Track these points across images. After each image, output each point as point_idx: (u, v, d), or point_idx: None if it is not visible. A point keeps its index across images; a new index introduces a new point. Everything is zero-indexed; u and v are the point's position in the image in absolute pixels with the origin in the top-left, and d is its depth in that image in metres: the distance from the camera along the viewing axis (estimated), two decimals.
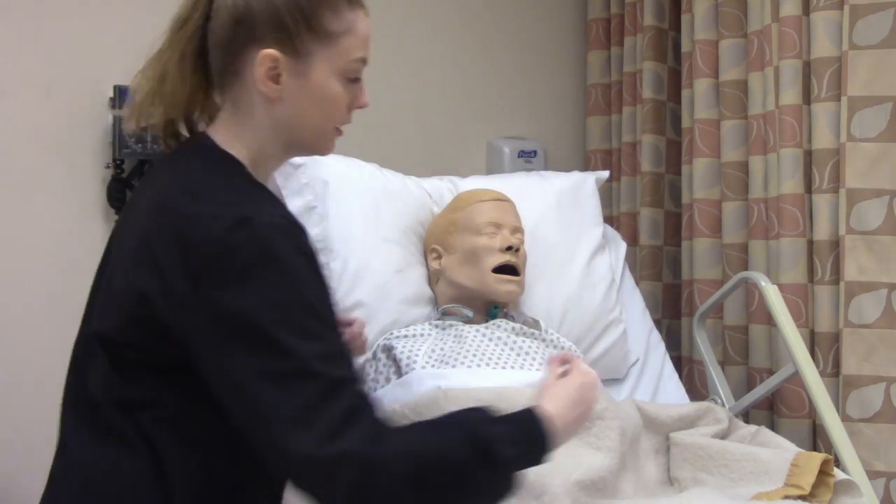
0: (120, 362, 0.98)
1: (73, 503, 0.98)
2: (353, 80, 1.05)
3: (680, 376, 1.95)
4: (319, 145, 1.09)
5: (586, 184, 2.05)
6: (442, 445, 0.90)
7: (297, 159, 1.70)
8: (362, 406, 0.88)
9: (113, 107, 1.81)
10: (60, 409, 1.06)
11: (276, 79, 1.01)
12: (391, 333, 1.63)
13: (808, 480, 1.27)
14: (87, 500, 0.97)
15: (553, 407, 0.99)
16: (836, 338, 1.77)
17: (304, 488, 0.88)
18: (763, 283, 1.70)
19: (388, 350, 1.59)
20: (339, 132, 1.09)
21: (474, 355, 1.52)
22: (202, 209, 0.93)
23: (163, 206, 0.97)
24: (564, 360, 1.12)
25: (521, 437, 0.94)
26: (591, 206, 2.02)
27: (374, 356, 1.61)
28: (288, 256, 0.91)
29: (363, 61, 1.06)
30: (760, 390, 1.72)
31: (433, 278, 1.74)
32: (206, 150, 1.04)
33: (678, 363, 2.16)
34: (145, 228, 0.97)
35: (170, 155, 1.08)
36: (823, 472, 1.31)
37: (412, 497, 0.87)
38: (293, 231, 0.95)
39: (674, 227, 2.31)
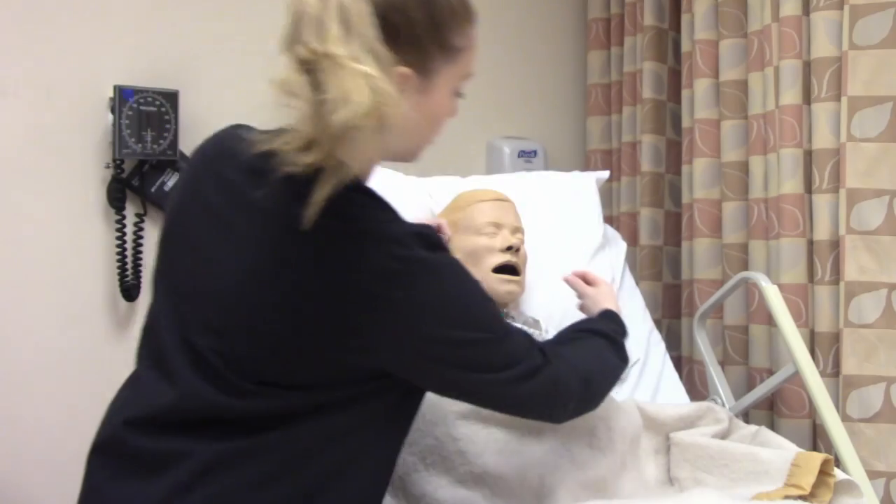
0: (272, 380, 0.95)
1: None
2: (458, 95, 1.06)
3: (680, 376, 1.95)
4: (414, 156, 1.10)
5: (586, 184, 2.05)
6: (594, 346, 1.20)
7: None
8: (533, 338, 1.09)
9: (113, 107, 1.81)
10: (161, 420, 0.98)
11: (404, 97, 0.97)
12: None
13: (808, 480, 1.27)
14: None
15: (612, 306, 1.36)
16: (836, 338, 1.77)
17: (544, 414, 1.11)
18: (763, 284, 1.70)
19: None
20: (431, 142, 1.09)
21: None
22: (374, 228, 0.93)
23: (322, 228, 0.91)
24: (584, 276, 1.48)
25: (619, 328, 1.29)
26: (591, 206, 2.02)
27: None
28: (453, 258, 1.02)
29: (472, 75, 1.06)
30: (760, 390, 1.72)
31: None
32: None
33: (678, 363, 2.16)
34: (296, 253, 0.93)
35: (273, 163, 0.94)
36: (824, 472, 1.31)
37: (593, 385, 1.15)
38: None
39: (674, 227, 2.31)
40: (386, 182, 1.84)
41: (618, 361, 1.24)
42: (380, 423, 1.04)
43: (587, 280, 1.48)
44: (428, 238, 0.97)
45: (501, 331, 1.02)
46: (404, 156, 1.09)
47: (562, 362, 1.08)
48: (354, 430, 1.00)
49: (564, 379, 1.08)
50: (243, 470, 0.94)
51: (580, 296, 1.47)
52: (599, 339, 1.22)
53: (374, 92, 0.86)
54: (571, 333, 1.24)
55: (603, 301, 1.40)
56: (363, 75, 0.86)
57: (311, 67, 0.89)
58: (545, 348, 1.08)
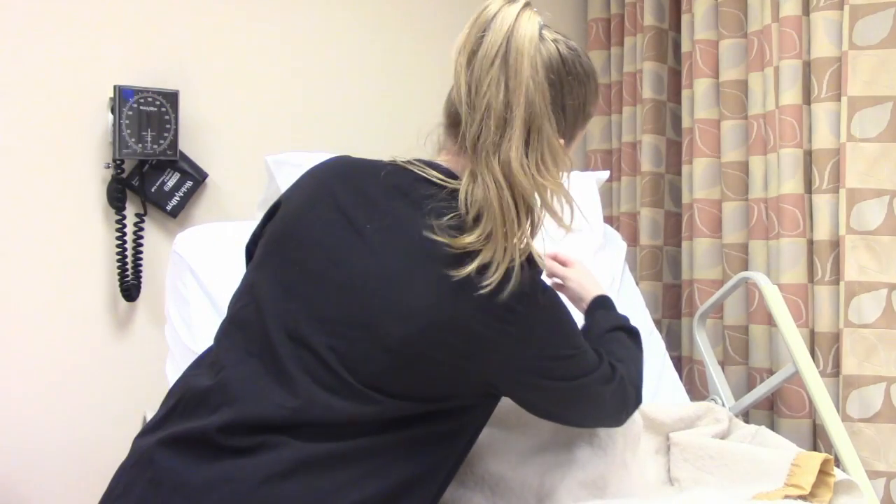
0: (385, 392, 0.98)
1: None
2: None
3: (680, 376, 1.95)
4: None
5: (586, 184, 2.05)
6: (627, 346, 1.25)
7: (296, 158, 1.71)
8: None
9: (113, 107, 1.81)
10: (260, 416, 0.97)
11: None
12: None
13: (808, 480, 1.27)
14: None
15: (599, 289, 1.39)
16: (836, 338, 1.77)
17: (618, 416, 1.19)
18: (763, 283, 1.70)
19: None
20: None
21: None
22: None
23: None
24: (555, 257, 1.45)
25: (620, 314, 1.34)
26: (592, 206, 2.02)
27: None
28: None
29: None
30: (760, 390, 1.72)
31: None
32: None
33: (678, 363, 2.16)
34: (428, 266, 0.98)
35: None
36: (824, 472, 1.31)
37: (639, 383, 1.23)
38: None
39: (674, 227, 2.31)
40: None
41: (640, 353, 1.29)
42: (461, 437, 1.08)
43: (559, 261, 1.46)
44: (542, 267, 1.06)
45: (583, 344, 1.10)
46: None
47: (620, 367, 1.17)
48: (441, 442, 1.03)
49: (626, 381, 1.17)
50: (335, 471, 0.95)
51: (561, 278, 1.44)
52: (624, 336, 1.28)
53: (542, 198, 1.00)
54: (606, 335, 1.27)
55: (589, 285, 1.40)
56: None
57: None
58: (608, 358, 1.16)
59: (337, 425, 0.97)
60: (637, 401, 1.22)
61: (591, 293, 1.37)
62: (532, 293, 1.01)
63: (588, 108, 1.11)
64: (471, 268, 0.96)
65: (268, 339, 1.00)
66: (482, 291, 0.96)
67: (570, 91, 1.05)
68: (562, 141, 1.05)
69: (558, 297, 1.07)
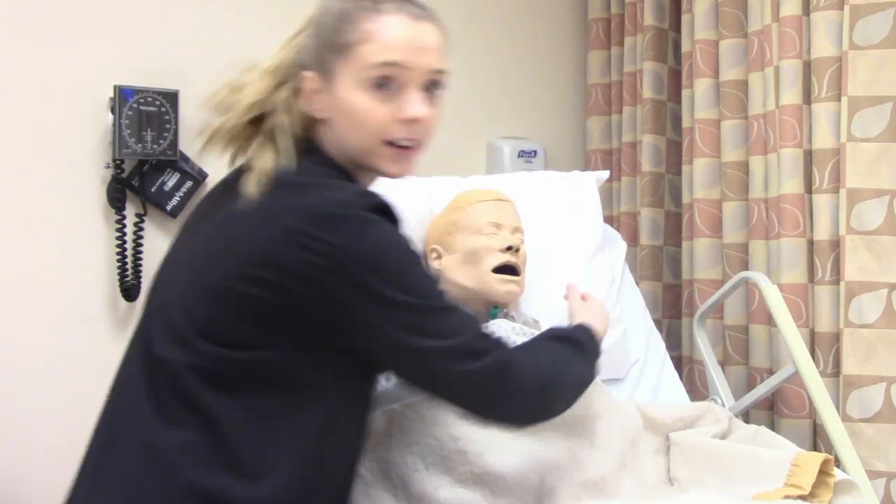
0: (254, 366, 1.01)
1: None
2: (380, 87, 1.06)
3: (680, 376, 1.95)
4: (374, 163, 1.11)
5: (586, 184, 2.05)
6: (556, 352, 1.19)
7: None
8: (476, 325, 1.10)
9: (113, 107, 1.81)
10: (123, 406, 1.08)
11: (317, 98, 1.10)
12: None
13: (808, 480, 1.27)
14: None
15: (593, 322, 1.34)
16: (836, 338, 1.77)
17: (490, 406, 1.11)
18: (763, 284, 1.70)
19: None
20: (393, 147, 1.10)
21: None
22: (317, 183, 1.07)
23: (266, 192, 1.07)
24: (582, 295, 1.51)
25: (589, 339, 1.27)
26: (591, 206, 2.02)
27: None
28: (395, 228, 1.09)
29: (388, 65, 1.05)
30: (760, 390, 1.72)
31: None
32: None
33: (678, 363, 2.16)
34: (239, 211, 1.05)
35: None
36: (824, 472, 1.31)
37: (550, 388, 1.14)
38: None
39: (674, 227, 2.31)
40: (387, 182, 1.85)
41: (585, 370, 1.23)
42: (340, 425, 1.07)
43: (580, 296, 1.55)
44: (374, 200, 1.02)
45: (439, 302, 1.04)
46: (363, 163, 1.12)
47: (516, 355, 1.11)
48: (316, 434, 1.03)
49: (516, 373, 1.08)
50: (193, 460, 0.98)
51: (570, 312, 1.52)
52: (565, 347, 1.22)
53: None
54: (540, 340, 1.24)
55: (583, 315, 1.44)
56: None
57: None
58: (501, 342, 1.11)
59: (185, 390, 0.98)
60: (539, 401, 1.14)
61: (577, 321, 1.40)
62: (340, 221, 0.97)
63: (332, 35, 1.08)
64: (257, 192, 1.02)
65: (149, 333, 1.07)
66: (266, 211, 1.00)
67: (312, 23, 1.14)
68: (308, 73, 1.10)
69: (396, 234, 1.03)
